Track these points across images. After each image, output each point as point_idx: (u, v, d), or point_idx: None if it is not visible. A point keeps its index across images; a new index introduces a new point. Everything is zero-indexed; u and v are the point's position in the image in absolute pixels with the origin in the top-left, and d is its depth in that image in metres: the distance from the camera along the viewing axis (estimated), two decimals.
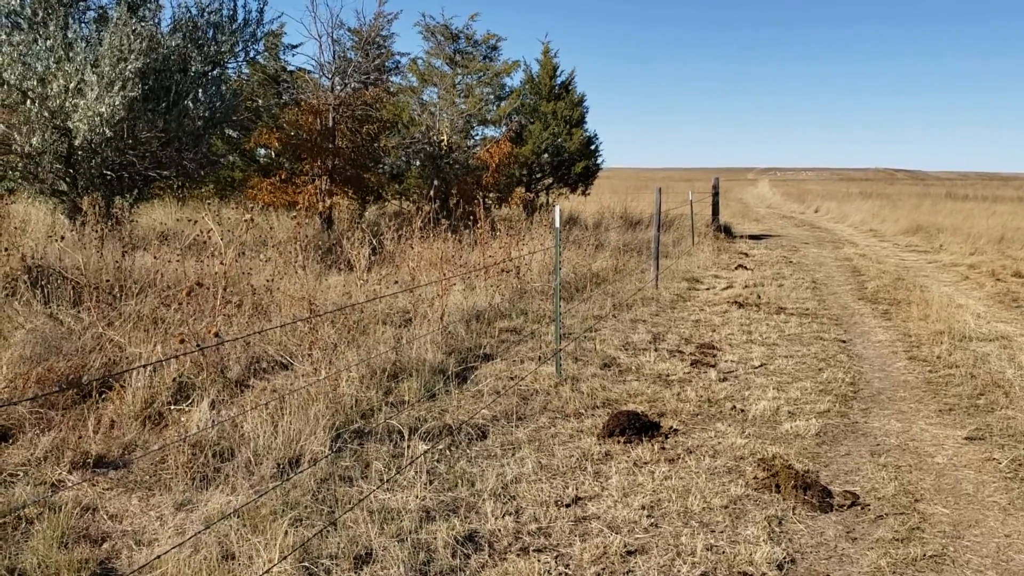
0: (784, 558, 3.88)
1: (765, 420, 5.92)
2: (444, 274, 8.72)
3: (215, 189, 18.20)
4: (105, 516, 4.15)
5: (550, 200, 21.67)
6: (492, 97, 18.11)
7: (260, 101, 17.02)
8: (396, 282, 8.74)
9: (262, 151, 18.78)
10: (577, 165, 21.26)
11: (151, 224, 13.39)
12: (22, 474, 4.57)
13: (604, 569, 3.73)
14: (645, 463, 5.02)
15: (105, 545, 3.86)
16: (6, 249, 7.74)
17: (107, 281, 7.98)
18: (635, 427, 5.49)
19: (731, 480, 4.79)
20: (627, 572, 3.72)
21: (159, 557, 3.57)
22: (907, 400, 6.50)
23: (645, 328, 8.86)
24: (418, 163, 17.74)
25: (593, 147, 22.18)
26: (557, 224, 6.89)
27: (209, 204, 15.79)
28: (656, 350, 7.82)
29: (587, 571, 3.68)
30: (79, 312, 7.24)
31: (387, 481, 4.56)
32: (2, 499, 4.24)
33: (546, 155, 20.59)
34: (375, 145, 16.91)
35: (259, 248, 10.62)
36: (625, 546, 3.93)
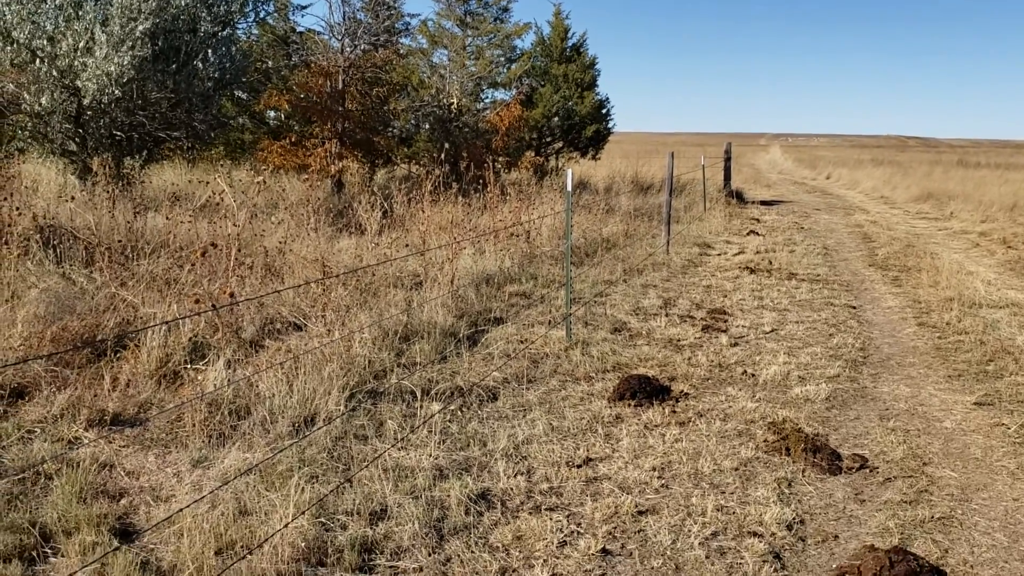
0: (793, 519, 3.92)
1: (776, 384, 5.94)
2: (454, 238, 8.73)
3: (225, 151, 18.16)
4: (122, 473, 4.21)
5: (560, 164, 21.59)
6: (503, 59, 18.00)
7: (270, 63, 16.96)
8: (407, 246, 8.76)
9: (272, 113, 18.70)
10: (588, 129, 21.15)
11: (161, 185, 13.39)
12: (39, 431, 4.63)
13: (615, 528, 3.78)
14: (656, 426, 5.05)
15: (123, 501, 3.92)
16: (18, 209, 7.76)
17: (119, 241, 8.01)
18: (646, 391, 5.52)
19: (741, 443, 4.82)
20: (638, 531, 3.76)
21: (180, 511, 3.63)
22: (916, 366, 6.52)
23: (656, 293, 8.87)
24: (428, 126, 17.66)
25: (604, 111, 22.05)
26: (568, 188, 6.87)
27: (221, 166, 15.77)
28: (667, 315, 7.83)
29: (599, 530, 3.73)
30: (92, 272, 7.28)
31: (401, 440, 4.61)
32: (21, 455, 4.30)
33: (556, 119, 20.48)
34: (385, 108, 16.83)
35: (270, 210, 10.64)
36: (636, 506, 3.98)
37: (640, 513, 3.93)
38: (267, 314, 6.87)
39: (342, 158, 15.81)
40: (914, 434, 5.04)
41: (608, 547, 3.61)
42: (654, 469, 4.42)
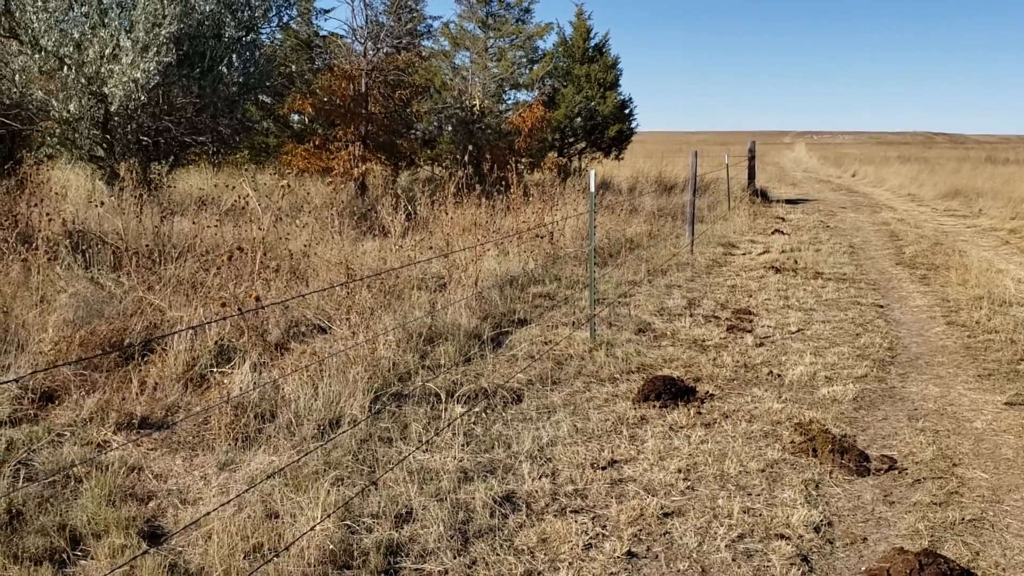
0: (821, 521, 3.89)
1: (802, 385, 5.89)
2: (478, 240, 8.74)
3: (250, 155, 18.30)
4: (150, 476, 4.25)
5: (583, 165, 21.56)
6: (524, 61, 17.99)
7: (293, 67, 17.05)
8: (431, 248, 8.77)
9: (296, 117, 18.83)
10: (611, 129, 21.10)
11: (187, 190, 13.52)
12: (69, 434, 4.68)
13: (641, 530, 3.76)
14: (681, 427, 5.03)
15: (151, 504, 3.96)
16: (47, 214, 7.86)
17: (147, 246, 8.09)
18: (671, 392, 5.49)
19: (767, 444, 4.79)
20: (664, 533, 3.75)
21: (208, 514, 3.66)
22: (945, 365, 6.44)
23: (680, 293, 8.83)
24: (450, 128, 17.69)
25: (627, 111, 21.99)
26: (592, 188, 6.86)
27: (246, 170, 15.89)
28: (691, 315, 7.80)
29: (624, 532, 3.72)
30: (119, 276, 7.36)
31: (425, 443, 4.62)
32: (51, 458, 4.35)
33: (579, 119, 20.45)
34: (407, 110, 16.88)
35: (295, 214, 10.70)
36: (661, 508, 3.96)
37: (666, 515, 3.91)
38: (292, 317, 6.91)
39: (365, 161, 15.88)
40: (944, 434, 4.98)
41: (634, 549, 3.60)
42: (679, 471, 4.40)
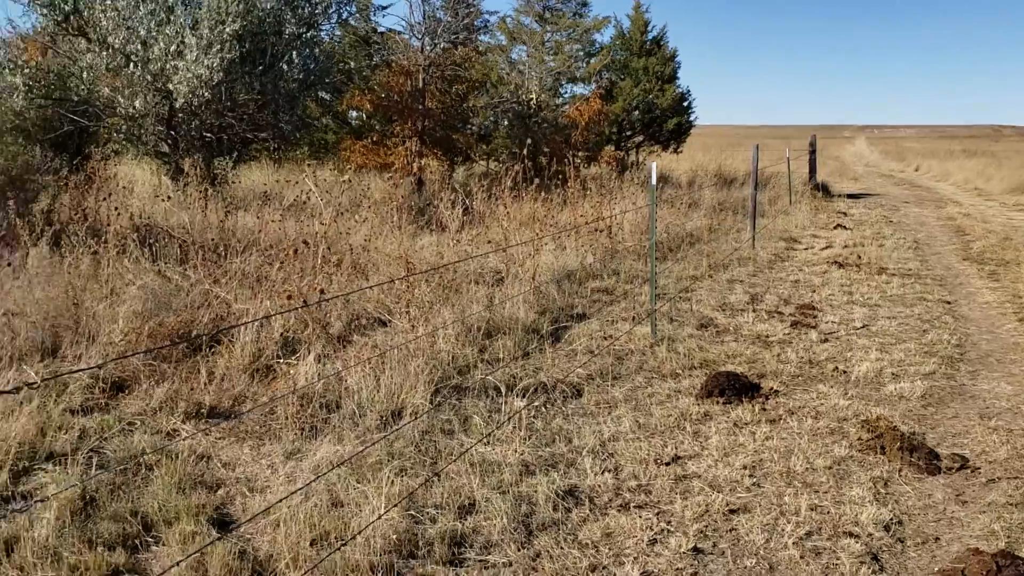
0: (891, 519, 3.80)
1: (868, 382, 5.77)
2: (537, 233, 8.73)
3: (309, 152, 18.54)
4: (219, 464, 4.33)
5: (640, 159, 21.40)
6: (581, 54, 17.92)
7: (352, 63, 17.23)
8: (489, 242, 8.79)
9: (354, 113, 19.02)
10: (669, 122, 20.91)
11: (249, 186, 13.76)
12: (139, 423, 4.79)
13: (707, 527, 3.72)
14: (745, 424, 4.96)
15: (220, 491, 4.04)
16: (116, 208, 8.06)
17: (212, 240, 8.25)
18: (734, 388, 5.42)
19: (834, 441, 4.70)
20: (730, 530, 3.70)
21: (277, 503, 3.71)
22: (1018, 363, 6.25)
23: (742, 288, 8.71)
24: (506, 123, 17.71)
25: (686, 103, 21.77)
26: (653, 181, 6.80)
27: (308, 165, 16.09)
28: (754, 311, 7.68)
29: (689, 528, 3.68)
30: (185, 270, 7.50)
31: (486, 435, 4.63)
32: (123, 446, 4.46)
33: (637, 112, 20.31)
34: (464, 105, 16.94)
35: (354, 209, 10.81)
36: (727, 505, 3.91)
37: (731, 512, 3.86)
38: (353, 310, 6.99)
39: (422, 156, 15.98)
40: (1018, 434, 4.83)
41: (699, 545, 3.56)
42: (745, 467, 4.34)
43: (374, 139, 17.01)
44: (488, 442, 4.56)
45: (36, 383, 3.58)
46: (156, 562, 3.39)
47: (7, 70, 11.72)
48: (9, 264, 6.72)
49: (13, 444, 4.18)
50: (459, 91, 16.70)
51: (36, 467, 4.19)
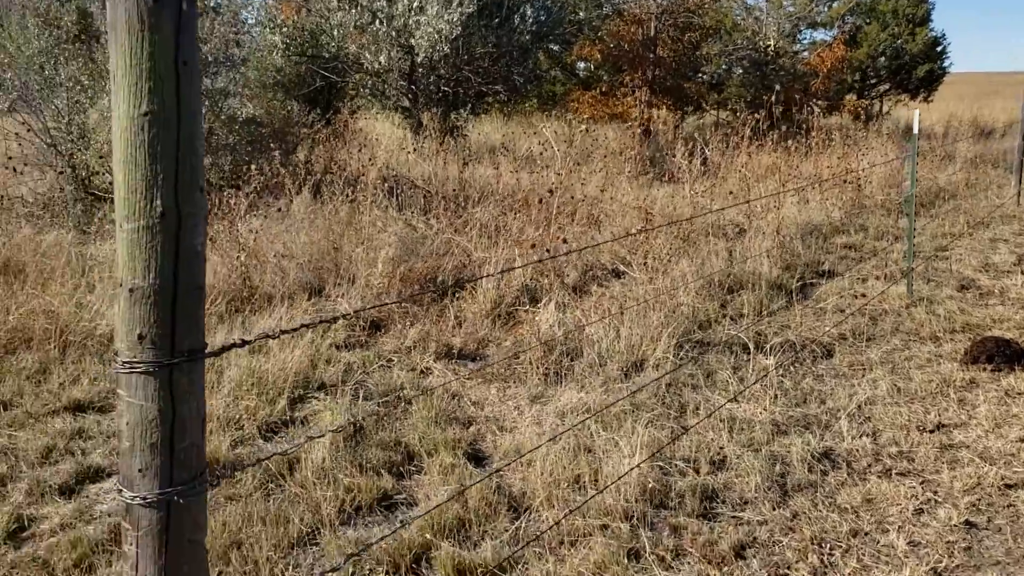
0: None
1: None
2: (782, 184, 8.37)
3: (537, 103, 18.76)
4: (469, 403, 4.52)
5: (885, 108, 19.94)
6: None
7: (582, 14, 17.15)
8: (731, 193, 8.53)
9: (582, 65, 19.02)
10: (919, 69, 19.29)
11: (479, 138, 14.13)
12: (395, 360, 5.09)
13: (979, 500, 3.45)
14: (1019, 393, 4.54)
15: (472, 428, 4.21)
16: (371, 159, 8.52)
17: (453, 191, 8.56)
18: (1004, 355, 4.96)
19: None
20: (1007, 506, 3.41)
21: (534, 449, 3.83)
22: None
23: (1007, 248, 7.94)
24: (740, 71, 17.05)
25: (939, 48, 19.98)
26: (916, 129, 6.31)
27: (546, 116, 16.30)
28: (1023, 272, 6.99)
29: (960, 501, 3.43)
30: (428, 219, 7.84)
31: (733, 392, 4.53)
32: (383, 380, 4.76)
33: (883, 58, 18.88)
34: (696, 53, 16.47)
35: (584, 160, 10.85)
36: (1002, 479, 3.60)
37: (1008, 487, 3.55)
38: (587, 261, 7.03)
39: (652, 106, 15.74)
40: None
41: (972, 519, 3.31)
42: (1021, 440, 3.97)
43: (602, 90, 16.95)
44: (734, 399, 4.46)
45: (345, 315, 3.89)
46: (420, 489, 3.59)
47: (268, 29, 12.68)
48: (279, 210, 7.31)
49: (290, 375, 4.57)
50: (692, 39, 16.25)
51: (309, 395, 4.56)
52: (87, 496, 3.50)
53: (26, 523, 3.26)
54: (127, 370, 1.50)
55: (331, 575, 2.84)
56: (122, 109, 1.45)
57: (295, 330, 1.98)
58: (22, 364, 4.75)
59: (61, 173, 7.89)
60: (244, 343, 1.75)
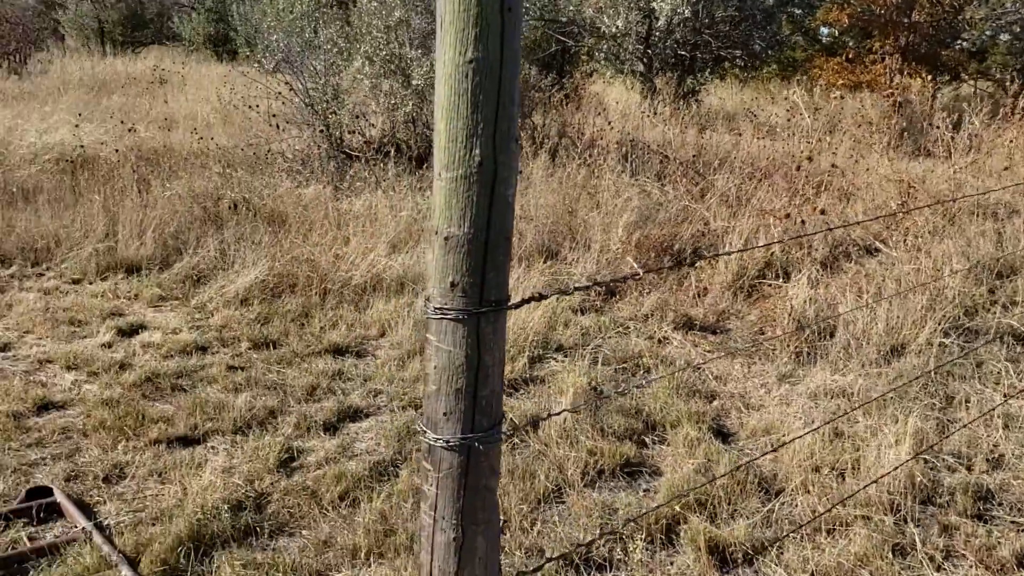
0: None
1: None
2: None
3: (777, 70, 17.93)
4: (710, 376, 4.39)
5: None
6: None
7: None
8: (1006, 168, 7.75)
9: (825, 30, 17.95)
10: None
11: (715, 104, 13.69)
12: (631, 327, 5.03)
13: None
14: None
15: (715, 403, 4.08)
16: (610, 123, 8.45)
17: (691, 157, 8.34)
18: None
19: None
20: None
21: (795, 439, 3.66)
22: None
23: None
24: (1008, 37, 15.45)
25: None
26: None
27: (791, 83, 15.58)
28: None
29: None
30: (663, 185, 7.68)
31: (1005, 387, 4.11)
32: (619, 347, 4.71)
33: None
34: (958, 18, 15.07)
35: (830, 130, 10.23)
36: None
37: None
38: (835, 236, 6.62)
39: (903, 74, 14.59)
40: None
41: None
42: None
43: (848, 56, 15.90)
44: (1008, 393, 4.05)
45: (623, 278, 3.88)
46: (662, 460, 3.52)
47: None
48: (520, 172, 7.41)
49: (531, 335, 4.63)
50: (954, 3, 14.87)
51: (547, 356, 4.60)
52: (347, 433, 3.71)
53: (295, 454, 3.50)
54: (438, 316, 1.52)
55: (600, 541, 2.84)
56: (448, 56, 1.45)
57: (578, 289, 1.95)
58: (287, 307, 5.11)
59: (320, 131, 8.40)
60: (541, 297, 1.74)
